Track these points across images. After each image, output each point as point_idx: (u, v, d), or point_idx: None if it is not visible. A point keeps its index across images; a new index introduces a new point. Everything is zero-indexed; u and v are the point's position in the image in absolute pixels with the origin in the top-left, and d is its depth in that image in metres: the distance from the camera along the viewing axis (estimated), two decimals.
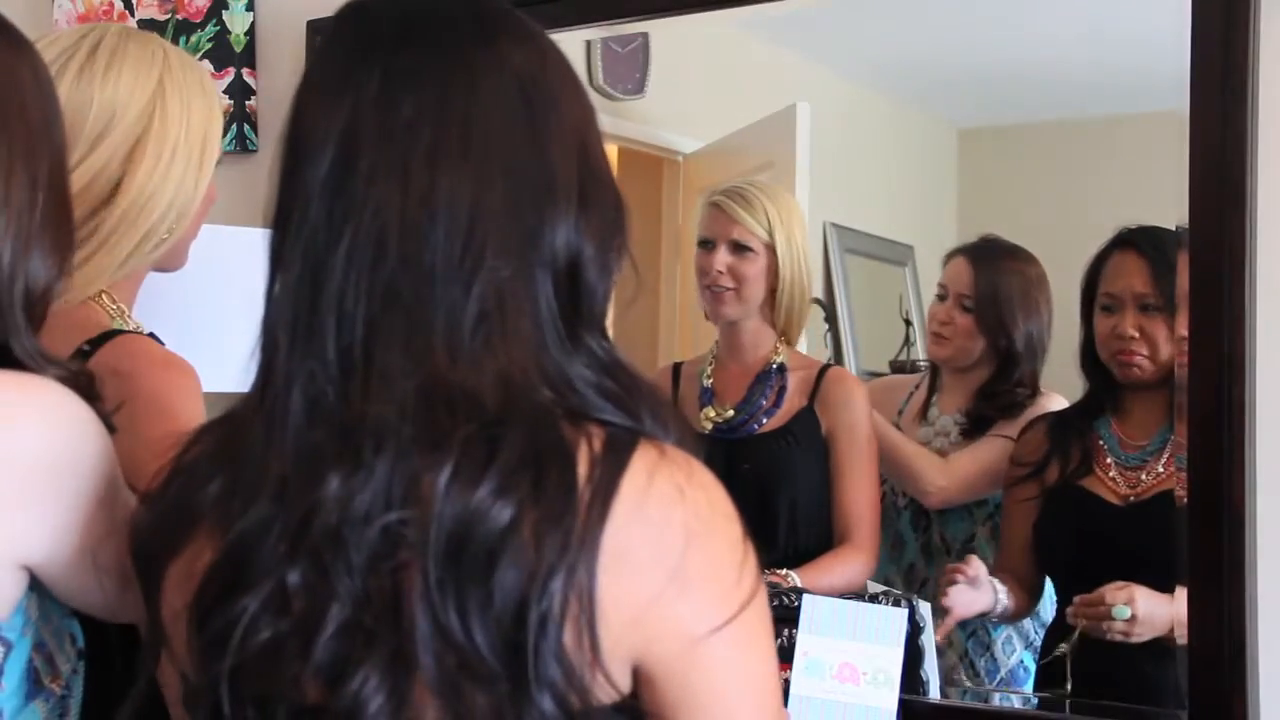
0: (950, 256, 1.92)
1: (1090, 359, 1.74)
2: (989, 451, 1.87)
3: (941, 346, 1.93)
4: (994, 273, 1.89)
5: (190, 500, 0.86)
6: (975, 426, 1.89)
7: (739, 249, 1.95)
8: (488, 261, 0.83)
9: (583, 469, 0.80)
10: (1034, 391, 1.85)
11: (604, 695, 0.80)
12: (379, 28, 0.88)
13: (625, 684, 0.81)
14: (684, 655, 0.81)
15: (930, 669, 1.67)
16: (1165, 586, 1.56)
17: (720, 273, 1.95)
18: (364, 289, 0.82)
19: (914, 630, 1.64)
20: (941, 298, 1.92)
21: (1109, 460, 1.72)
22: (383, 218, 0.82)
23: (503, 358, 0.82)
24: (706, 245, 1.98)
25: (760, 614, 0.85)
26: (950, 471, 1.89)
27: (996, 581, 1.76)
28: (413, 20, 0.88)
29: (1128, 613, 1.59)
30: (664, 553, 0.80)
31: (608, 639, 0.79)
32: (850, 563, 1.85)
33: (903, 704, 1.59)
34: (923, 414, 1.95)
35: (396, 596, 0.78)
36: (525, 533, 0.77)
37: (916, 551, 1.92)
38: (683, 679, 0.82)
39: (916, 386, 1.97)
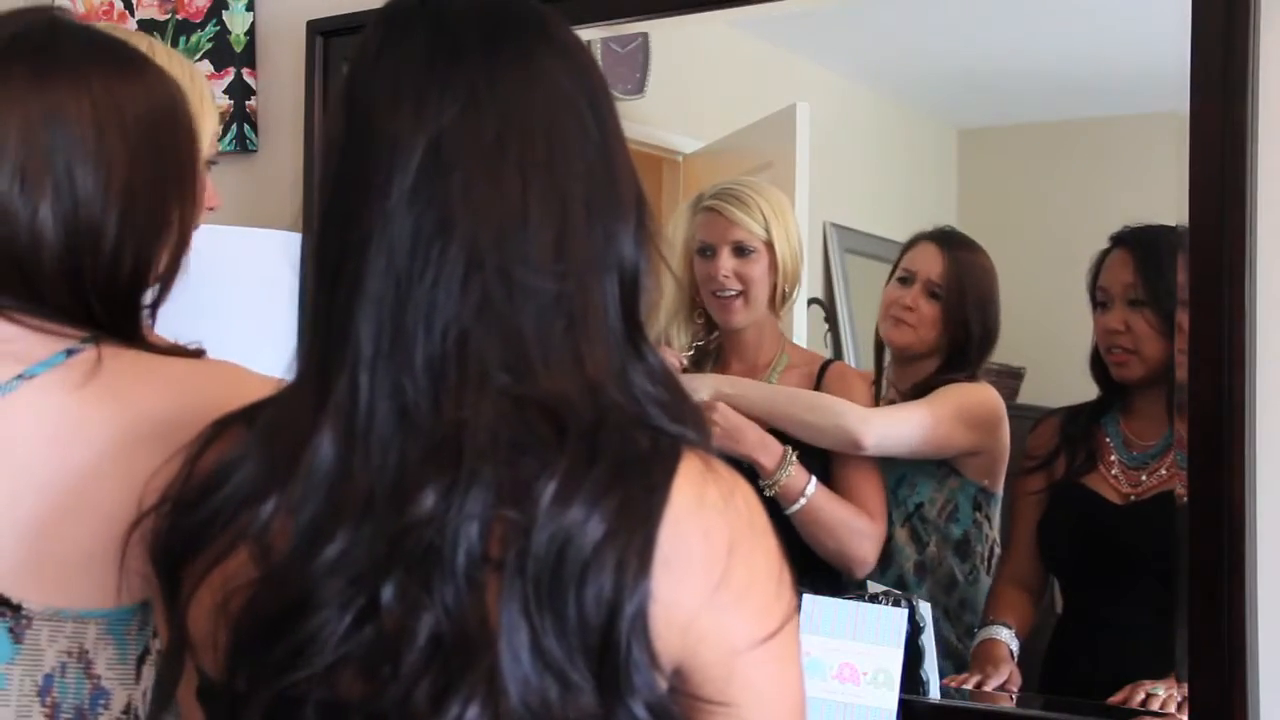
0: (916, 241, 1.89)
1: (1097, 359, 1.74)
2: (918, 407, 1.84)
3: (901, 332, 1.89)
4: (962, 262, 1.86)
5: (234, 516, 0.85)
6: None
7: (741, 251, 1.94)
8: (573, 270, 0.84)
9: None
10: (973, 379, 1.84)
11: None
12: (458, 33, 0.87)
13: (664, 685, 0.82)
14: (723, 664, 0.82)
15: (930, 669, 1.67)
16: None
17: (727, 277, 1.94)
18: (455, 299, 0.82)
19: (914, 630, 1.64)
20: (905, 281, 1.88)
21: (1113, 458, 1.72)
22: (477, 230, 0.82)
23: (589, 366, 0.83)
24: (707, 252, 1.96)
25: (796, 631, 0.86)
26: (880, 415, 1.86)
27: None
28: (492, 25, 0.88)
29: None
30: (709, 562, 0.81)
31: (658, 642, 0.79)
32: (862, 516, 1.84)
33: (903, 704, 1.60)
34: None
35: (485, 607, 0.78)
36: (616, 543, 0.78)
37: None
38: (720, 686, 0.82)
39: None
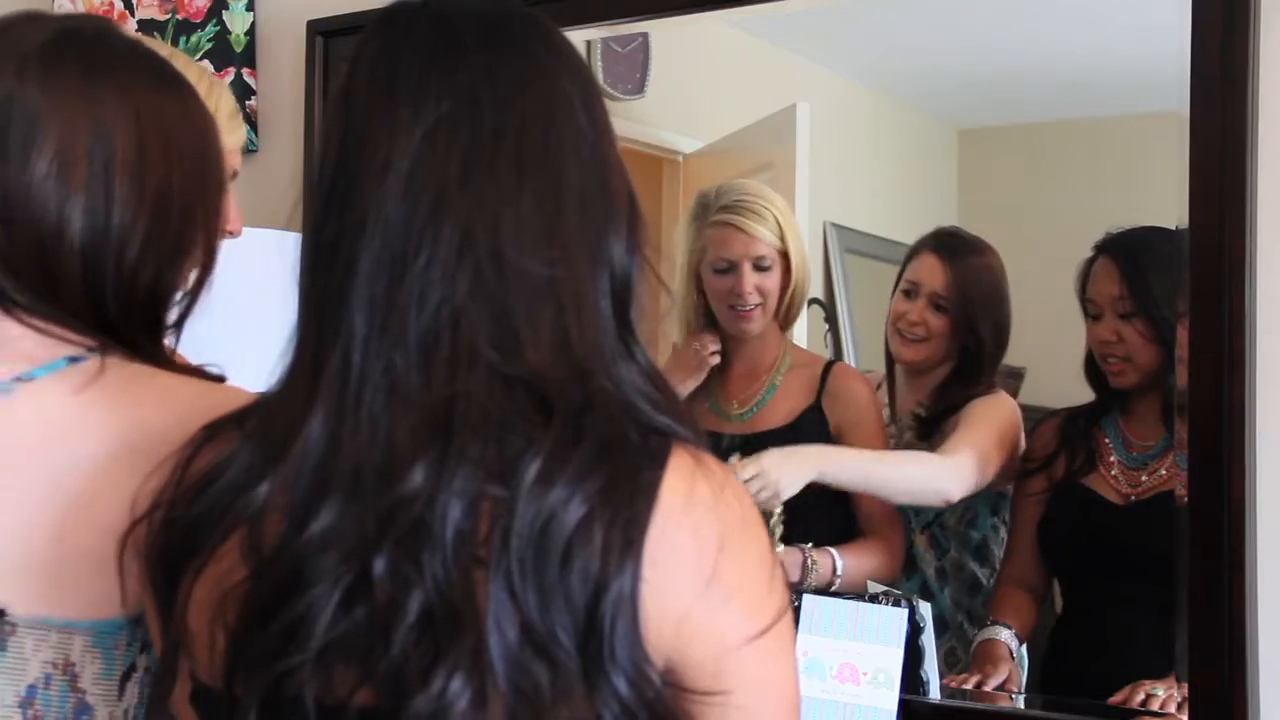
0: (918, 250, 1.88)
1: (1092, 365, 1.75)
2: (968, 448, 1.79)
3: (912, 349, 1.87)
4: (965, 269, 1.84)
5: (229, 506, 0.85)
6: (926, 426, 1.85)
7: (761, 266, 1.93)
8: (565, 258, 0.85)
9: None
10: (991, 389, 1.83)
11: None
12: (459, 30, 0.88)
13: (654, 675, 0.82)
14: (715, 661, 0.82)
15: (930, 669, 1.67)
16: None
17: (751, 293, 1.93)
18: (449, 278, 0.82)
19: (914, 630, 1.64)
20: (909, 294, 1.87)
21: (1113, 459, 1.72)
22: (472, 214, 0.83)
23: (578, 351, 0.84)
24: (727, 269, 1.94)
25: (789, 627, 0.86)
26: (957, 464, 1.79)
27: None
28: (492, 26, 0.89)
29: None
30: (699, 559, 0.81)
31: (649, 638, 0.80)
32: (884, 553, 1.85)
33: (903, 704, 1.60)
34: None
35: (474, 583, 0.78)
36: (599, 523, 0.78)
37: None
38: (711, 683, 0.83)
39: (877, 387, 1.94)
